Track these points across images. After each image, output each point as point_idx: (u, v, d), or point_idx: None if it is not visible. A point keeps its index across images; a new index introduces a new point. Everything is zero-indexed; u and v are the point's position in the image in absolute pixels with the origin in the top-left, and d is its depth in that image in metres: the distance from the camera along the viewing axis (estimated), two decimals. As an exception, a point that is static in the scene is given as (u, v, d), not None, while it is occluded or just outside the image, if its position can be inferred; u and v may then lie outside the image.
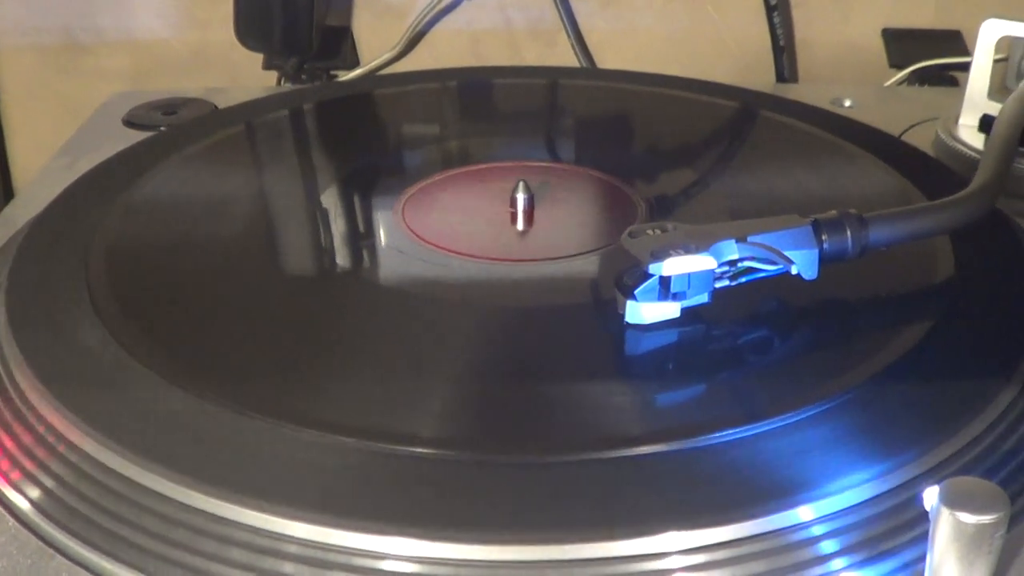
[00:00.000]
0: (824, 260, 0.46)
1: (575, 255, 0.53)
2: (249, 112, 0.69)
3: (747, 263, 0.45)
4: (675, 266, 0.44)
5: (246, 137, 0.67)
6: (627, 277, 0.46)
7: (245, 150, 0.67)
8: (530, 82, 0.76)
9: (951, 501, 0.32)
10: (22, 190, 0.67)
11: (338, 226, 0.58)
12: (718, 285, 0.46)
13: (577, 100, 0.74)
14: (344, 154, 0.66)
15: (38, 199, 0.60)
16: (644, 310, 0.45)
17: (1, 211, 0.63)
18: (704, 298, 0.46)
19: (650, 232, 0.46)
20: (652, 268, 0.44)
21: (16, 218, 0.60)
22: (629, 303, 0.45)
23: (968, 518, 0.31)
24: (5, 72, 0.96)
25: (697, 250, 0.44)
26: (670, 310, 0.45)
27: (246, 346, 0.46)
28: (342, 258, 0.55)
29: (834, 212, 0.46)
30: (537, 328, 0.48)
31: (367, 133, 0.70)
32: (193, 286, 0.50)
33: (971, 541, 0.32)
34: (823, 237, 0.46)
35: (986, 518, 0.31)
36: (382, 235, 0.56)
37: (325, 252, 0.56)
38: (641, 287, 0.45)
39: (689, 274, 0.44)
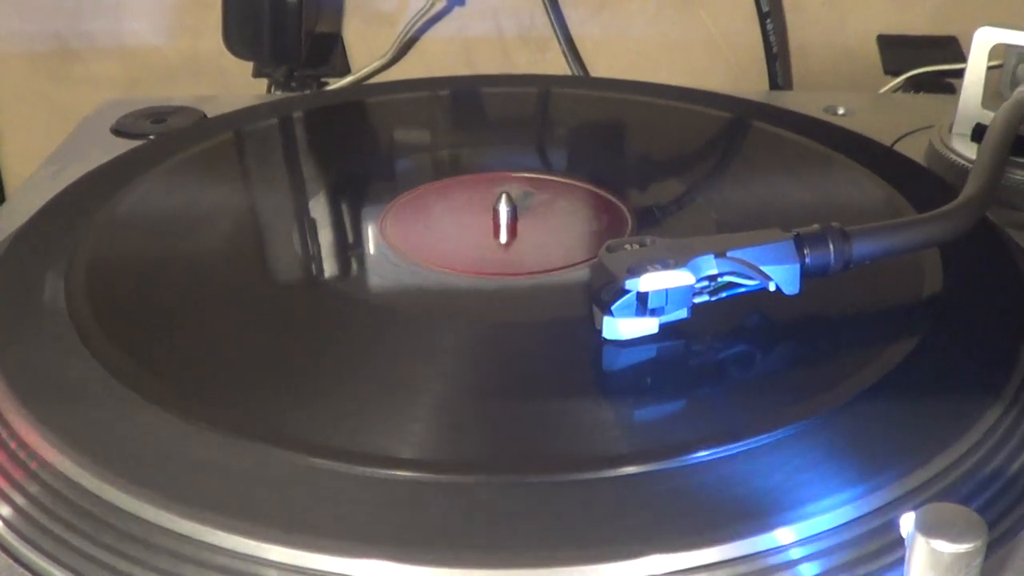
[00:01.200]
0: (806, 275, 0.45)
1: (556, 269, 0.53)
2: (237, 121, 0.69)
3: (727, 278, 0.45)
4: (652, 282, 0.44)
5: (234, 146, 0.67)
6: (604, 292, 0.45)
7: (233, 159, 0.66)
8: (521, 90, 0.76)
9: (927, 528, 0.31)
10: (8, 200, 0.66)
11: (321, 239, 0.57)
12: (697, 300, 0.45)
13: (568, 109, 0.74)
14: (333, 164, 0.66)
15: (24, 209, 0.60)
16: (621, 326, 0.45)
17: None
18: (683, 313, 0.45)
19: (628, 246, 0.45)
20: (628, 284, 0.44)
21: (2, 227, 0.60)
22: (606, 319, 0.45)
23: (944, 547, 0.31)
24: (-4, 79, 0.97)
25: (675, 265, 0.44)
26: (648, 326, 0.45)
27: (224, 363, 0.46)
28: (323, 272, 0.55)
29: (816, 226, 0.46)
30: (514, 345, 0.47)
31: (356, 142, 0.69)
32: (173, 301, 0.50)
33: (947, 570, 0.31)
34: (805, 251, 0.45)
35: (963, 547, 0.31)
36: (363, 249, 0.56)
37: (308, 265, 0.55)
38: (618, 303, 0.44)
39: (667, 289, 0.44)
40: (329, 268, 0.55)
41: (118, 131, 0.73)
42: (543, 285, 0.52)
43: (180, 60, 0.95)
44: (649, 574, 0.35)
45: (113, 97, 0.80)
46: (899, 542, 0.35)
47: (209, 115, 0.74)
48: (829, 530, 0.36)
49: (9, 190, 1.00)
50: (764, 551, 0.36)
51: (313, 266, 0.55)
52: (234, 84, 0.93)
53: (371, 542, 0.36)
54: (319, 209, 0.60)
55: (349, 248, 0.56)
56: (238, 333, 0.48)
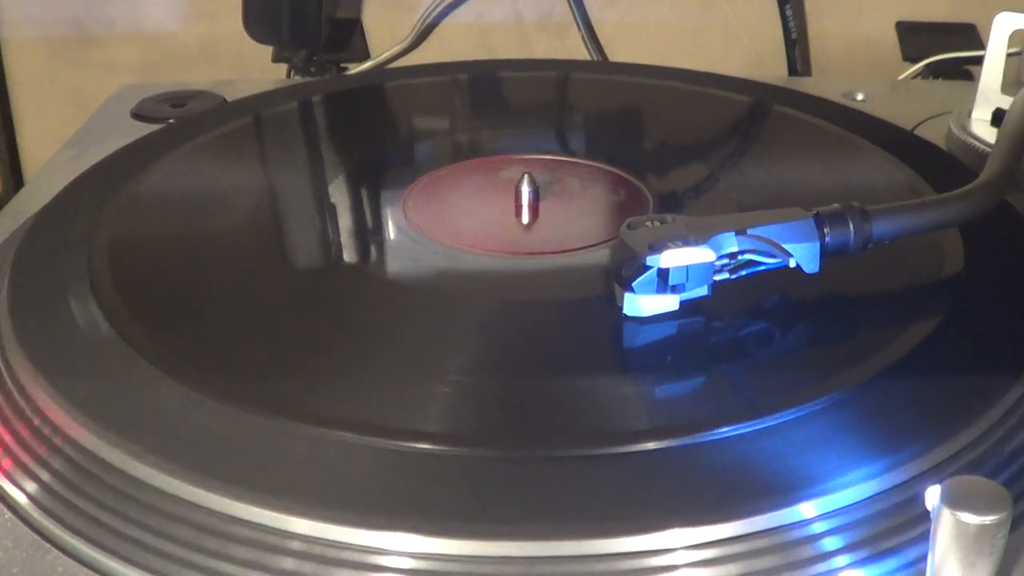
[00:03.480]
0: (826, 253, 0.45)
1: (578, 249, 0.53)
2: (257, 105, 0.69)
3: (748, 256, 0.45)
4: (673, 258, 0.44)
5: (254, 130, 0.67)
6: (625, 269, 0.45)
7: (252, 143, 0.66)
8: (540, 75, 0.76)
9: (953, 501, 0.31)
10: (28, 183, 0.67)
11: (343, 220, 0.57)
12: (718, 278, 0.45)
13: (587, 93, 0.74)
14: (352, 147, 0.66)
15: (44, 191, 0.60)
16: (642, 303, 0.45)
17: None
18: (703, 291, 0.45)
19: (649, 224, 0.45)
20: (650, 260, 0.44)
21: (22, 210, 0.60)
22: (627, 296, 0.45)
23: (970, 519, 0.31)
24: (15, 64, 0.97)
25: (696, 242, 0.44)
26: (669, 303, 0.45)
27: (247, 340, 0.46)
28: (344, 252, 0.55)
29: (837, 205, 0.46)
30: (537, 323, 0.48)
31: (376, 126, 0.69)
32: (195, 280, 0.50)
33: (973, 542, 0.31)
34: (825, 230, 0.45)
35: (988, 519, 0.31)
36: (385, 229, 0.56)
37: (329, 246, 0.55)
38: (639, 279, 0.44)
39: (688, 266, 0.44)
40: (352, 248, 0.55)
41: (138, 115, 0.73)
42: (565, 264, 0.52)
43: (199, 45, 0.95)
44: (672, 547, 0.35)
45: (132, 82, 0.80)
46: (922, 516, 0.35)
47: (228, 99, 0.74)
48: (853, 504, 0.37)
49: (27, 174, 1.00)
50: (789, 524, 0.36)
51: (336, 246, 0.55)
52: (252, 69, 0.93)
53: (394, 514, 0.36)
54: (341, 191, 0.60)
55: (371, 228, 0.57)
56: (260, 312, 0.48)
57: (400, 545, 0.35)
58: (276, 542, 0.36)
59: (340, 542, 0.36)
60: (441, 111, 0.72)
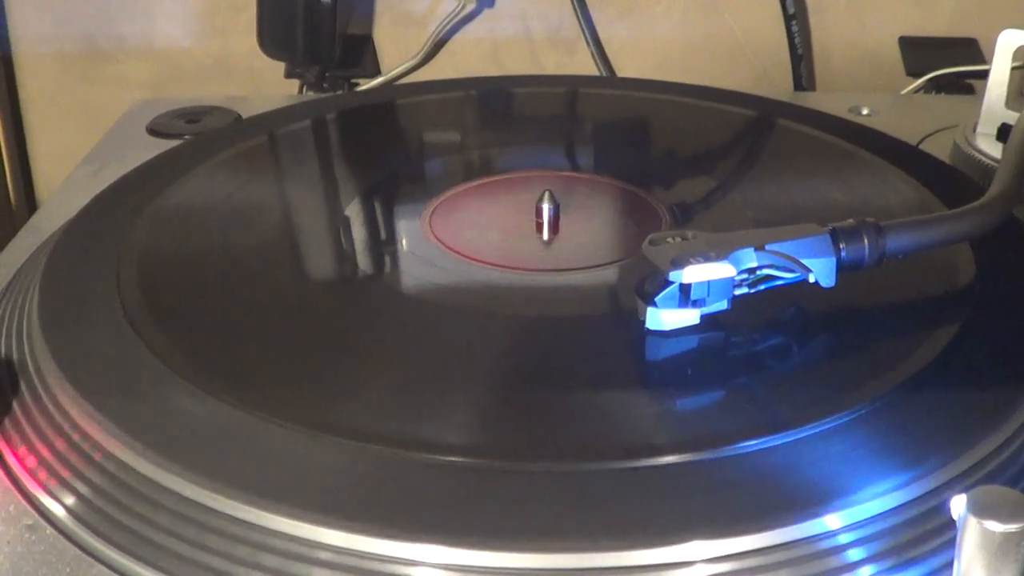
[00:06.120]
0: (842, 268, 0.46)
1: (600, 265, 0.54)
2: (275, 121, 0.70)
3: (766, 271, 0.46)
4: (695, 274, 0.45)
5: (272, 146, 0.67)
6: (648, 284, 0.46)
7: (272, 159, 0.67)
8: (550, 91, 0.77)
9: (978, 510, 0.32)
10: (48, 199, 0.67)
11: (366, 236, 0.58)
12: (737, 292, 0.46)
13: (598, 109, 0.75)
14: (370, 163, 0.66)
15: (64, 208, 0.60)
16: (664, 317, 0.46)
17: (24, 217, 0.63)
18: (724, 305, 0.46)
19: (671, 240, 0.46)
20: (672, 275, 0.45)
21: (43, 227, 0.60)
22: (650, 310, 0.46)
23: (995, 527, 0.31)
24: (27, 80, 0.97)
25: (717, 258, 0.45)
26: (690, 317, 0.46)
27: (278, 354, 0.47)
28: (372, 268, 0.56)
29: (851, 221, 0.47)
30: (561, 337, 0.48)
31: (390, 142, 0.70)
32: (223, 295, 0.51)
33: (998, 550, 0.32)
34: (841, 245, 0.46)
35: (1013, 527, 0.31)
36: (412, 245, 0.57)
37: (353, 261, 0.56)
38: (661, 294, 0.45)
39: (709, 281, 0.45)
40: (379, 264, 0.56)
41: (154, 131, 0.74)
42: (589, 280, 0.53)
43: (211, 61, 0.96)
44: (694, 559, 0.36)
45: (143, 97, 0.80)
46: (945, 526, 0.36)
47: (242, 115, 0.74)
48: (877, 515, 0.37)
49: (39, 189, 1.00)
50: (813, 536, 0.37)
51: (363, 262, 0.56)
52: (265, 85, 0.94)
53: (421, 526, 0.37)
54: (361, 207, 0.61)
55: (401, 246, 0.57)
56: (291, 327, 0.49)
57: (426, 556, 0.36)
58: (307, 552, 0.37)
59: (369, 552, 0.36)
60: (453, 127, 0.72)
